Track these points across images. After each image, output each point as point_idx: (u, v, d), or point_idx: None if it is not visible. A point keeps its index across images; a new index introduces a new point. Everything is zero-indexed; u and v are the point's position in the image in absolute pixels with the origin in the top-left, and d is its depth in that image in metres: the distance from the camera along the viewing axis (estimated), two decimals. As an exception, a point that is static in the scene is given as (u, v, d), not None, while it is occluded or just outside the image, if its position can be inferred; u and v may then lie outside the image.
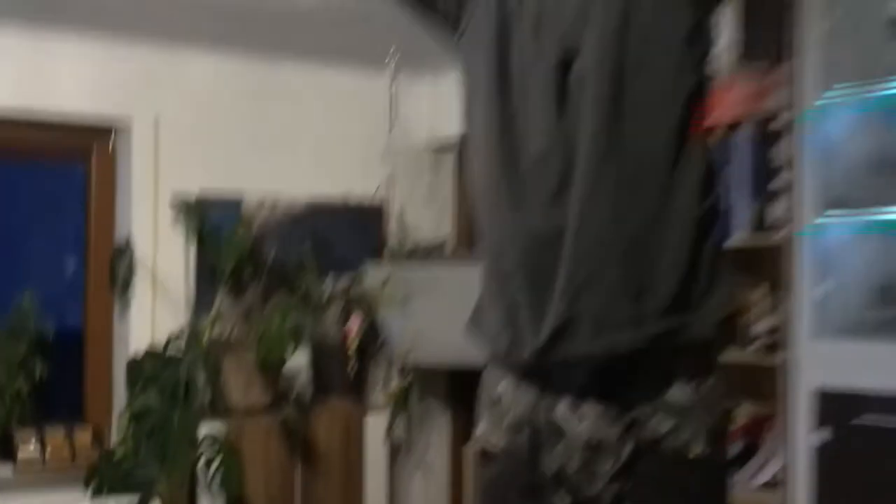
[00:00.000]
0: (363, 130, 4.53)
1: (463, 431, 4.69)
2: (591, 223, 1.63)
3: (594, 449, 1.65)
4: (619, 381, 1.66)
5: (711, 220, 1.69)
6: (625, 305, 1.62)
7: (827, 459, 3.06)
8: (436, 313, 3.94)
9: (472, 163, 1.85)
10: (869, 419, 2.98)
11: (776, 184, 3.34)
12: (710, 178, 1.71)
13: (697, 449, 1.62)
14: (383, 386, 4.62)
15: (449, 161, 5.05)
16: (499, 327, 1.75)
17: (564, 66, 1.68)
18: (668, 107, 1.67)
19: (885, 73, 3.15)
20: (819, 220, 3.17)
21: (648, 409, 1.63)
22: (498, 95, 1.75)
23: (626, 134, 1.65)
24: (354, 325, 4.30)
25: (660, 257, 1.64)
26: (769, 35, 3.34)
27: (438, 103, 4.84)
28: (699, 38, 1.72)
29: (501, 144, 1.73)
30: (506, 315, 1.74)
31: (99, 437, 4.21)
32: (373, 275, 4.22)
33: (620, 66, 1.65)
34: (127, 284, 4.25)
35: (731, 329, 1.83)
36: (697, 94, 1.71)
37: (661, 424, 1.62)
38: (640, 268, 1.64)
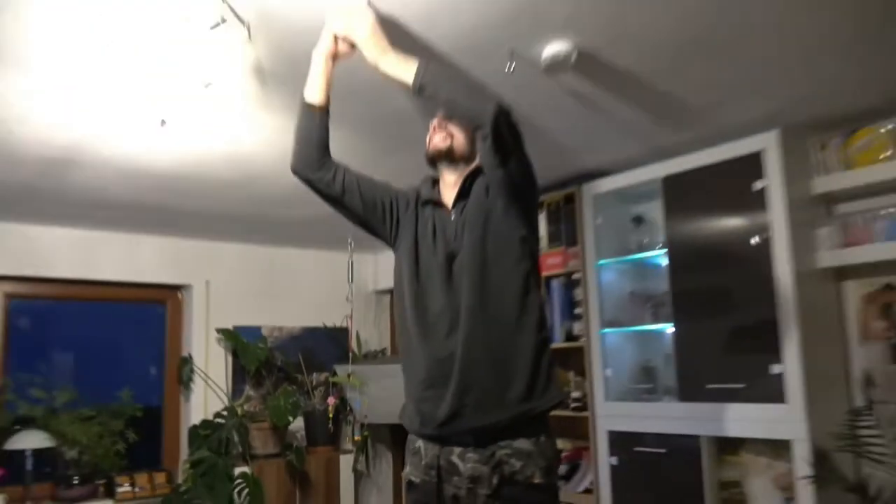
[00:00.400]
0: (334, 284, 4.48)
1: (401, 464, 4.44)
2: (470, 352, 1.66)
3: (475, 481, 1.65)
4: (488, 439, 1.66)
5: (545, 345, 1.71)
6: (493, 398, 1.65)
7: (619, 474, 3.03)
8: (381, 392, 3.84)
9: (399, 315, 1.86)
10: (641, 448, 2.95)
11: (577, 310, 3.35)
12: (543, 320, 1.73)
13: (538, 479, 1.64)
14: (350, 437, 4.47)
15: (386, 301, 5.02)
16: (413, 414, 1.77)
17: (449, 261, 1.72)
18: (513, 282, 1.69)
19: (631, 248, 3.25)
20: (602, 332, 3.18)
21: (506, 455, 1.64)
22: (414, 279, 1.78)
23: (490, 300, 1.67)
24: (332, 400, 4.11)
25: (514, 369, 1.66)
26: (566, 228, 3.39)
27: (378, 268, 4.90)
28: (529, 240, 1.75)
29: (416, 307, 1.76)
30: (417, 406, 1.75)
31: (170, 479, 3.96)
32: (342, 370, 4.08)
33: (483, 262, 1.69)
34: (189, 381, 4.11)
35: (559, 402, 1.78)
36: (533, 270, 1.73)
37: (515, 464, 1.64)
38: (501, 377, 1.66)
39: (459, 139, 1.77)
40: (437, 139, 1.78)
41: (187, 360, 4.09)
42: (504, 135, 1.58)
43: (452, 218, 1.76)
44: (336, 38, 1.72)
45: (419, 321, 1.73)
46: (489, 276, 1.68)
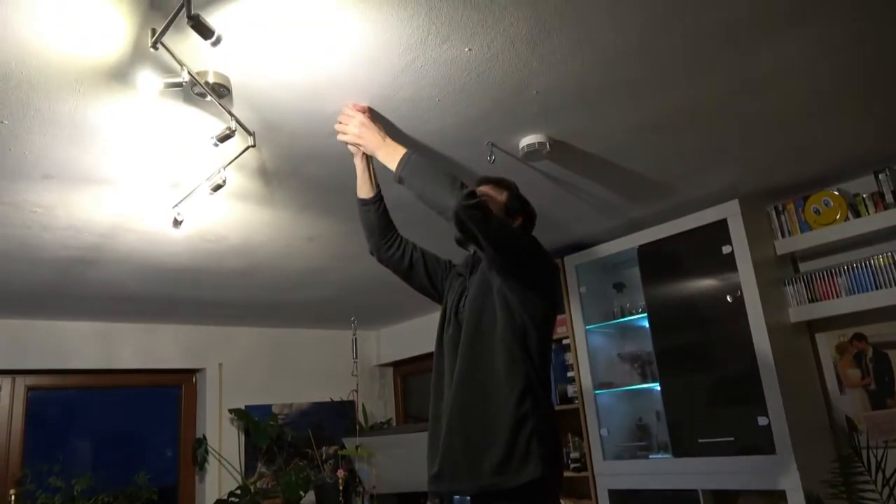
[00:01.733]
0: (339, 360, 4.45)
1: (409, 533, 4.31)
2: (453, 418, 1.64)
3: None
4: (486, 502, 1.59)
5: (527, 419, 1.59)
6: (466, 468, 1.60)
7: (621, 532, 2.93)
8: (388, 462, 3.71)
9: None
10: (640, 506, 2.85)
11: (569, 374, 3.31)
12: (529, 394, 1.62)
13: None
14: (361, 508, 4.29)
15: (389, 374, 4.97)
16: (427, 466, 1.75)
17: (458, 329, 1.73)
18: (499, 354, 1.64)
19: (615, 313, 3.25)
20: (595, 393, 3.13)
21: None
22: (438, 343, 1.80)
23: (478, 369, 1.65)
24: (341, 473, 3.96)
25: (490, 442, 1.58)
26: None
27: (381, 343, 4.88)
28: (522, 313, 1.68)
29: (435, 367, 1.78)
30: (427, 460, 1.73)
31: (188, 560, 3.77)
32: (350, 442, 3.96)
33: (476, 331, 1.69)
34: (203, 461, 4.01)
35: (554, 475, 1.64)
36: (522, 343, 1.65)
37: None
38: (476, 446, 1.60)
39: None
40: None
41: (202, 441, 4.02)
42: (468, 227, 1.55)
43: (466, 289, 1.78)
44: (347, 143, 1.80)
45: (435, 381, 1.76)
46: (479, 346, 1.66)
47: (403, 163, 1.64)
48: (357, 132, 1.73)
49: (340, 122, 1.76)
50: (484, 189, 1.84)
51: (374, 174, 1.86)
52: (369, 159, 1.84)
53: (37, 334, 3.62)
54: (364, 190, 1.86)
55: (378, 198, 1.87)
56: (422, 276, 1.92)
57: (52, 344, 3.65)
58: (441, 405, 1.69)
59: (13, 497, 3.43)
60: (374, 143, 1.71)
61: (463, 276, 1.85)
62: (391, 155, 1.68)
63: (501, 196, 1.83)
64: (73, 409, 4.00)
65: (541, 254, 1.73)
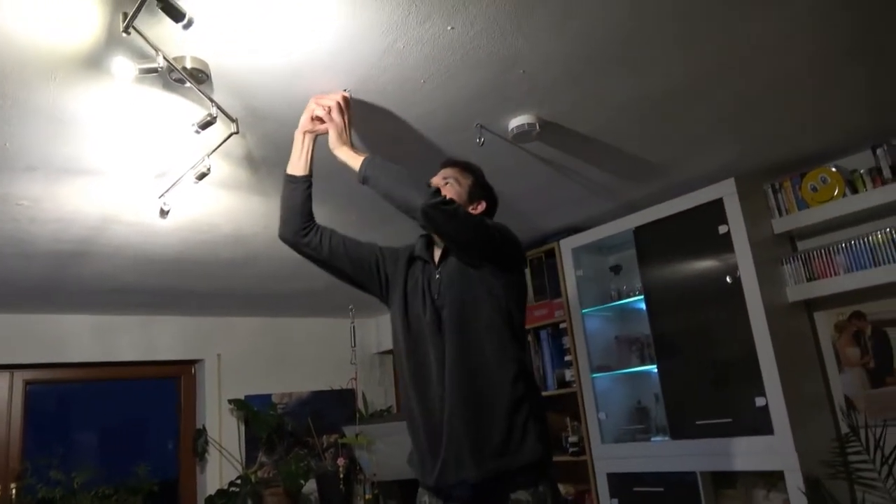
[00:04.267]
0: (337, 349, 4.44)
1: (411, 520, 4.30)
2: (451, 407, 1.61)
3: None
4: (485, 493, 1.58)
5: (523, 400, 1.61)
6: (469, 454, 1.58)
7: (619, 515, 2.93)
8: (389, 449, 3.72)
9: (398, 367, 1.81)
10: (640, 489, 2.87)
11: (567, 358, 3.29)
12: (523, 375, 1.64)
13: None
14: (362, 496, 4.27)
15: (388, 361, 4.95)
16: (417, 463, 1.72)
17: (437, 317, 1.69)
18: (489, 339, 1.64)
19: (612, 296, 3.22)
20: (592, 376, 3.12)
21: None
22: (406, 334, 1.75)
23: (468, 356, 1.63)
24: (342, 461, 4.01)
25: (490, 425, 1.59)
26: (549, 280, 3.38)
27: (379, 330, 4.86)
28: (505, 297, 1.68)
29: (409, 360, 1.73)
30: (419, 457, 1.70)
31: (190, 551, 3.77)
32: (350, 431, 3.97)
33: (461, 318, 1.66)
34: (204, 451, 4.00)
35: (550, 454, 1.67)
36: (509, 326, 1.66)
37: None
38: (477, 432, 1.59)
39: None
40: None
41: (202, 432, 4.01)
42: (438, 223, 1.58)
43: (437, 275, 1.74)
44: (312, 117, 1.76)
45: (413, 374, 1.70)
46: (467, 333, 1.64)
47: (368, 161, 1.64)
48: (332, 113, 1.70)
49: (320, 102, 1.73)
50: (449, 172, 1.83)
51: (312, 155, 1.80)
52: (313, 138, 1.79)
53: (34, 328, 3.61)
54: (297, 167, 1.79)
55: (309, 178, 1.79)
56: (344, 265, 1.83)
57: (49, 338, 3.64)
58: (430, 396, 1.65)
59: (14, 491, 3.44)
60: (338, 136, 1.70)
61: (424, 260, 1.80)
62: (353, 156, 1.68)
63: (466, 180, 1.82)
64: (72, 403, 4.01)
65: (512, 237, 1.73)
